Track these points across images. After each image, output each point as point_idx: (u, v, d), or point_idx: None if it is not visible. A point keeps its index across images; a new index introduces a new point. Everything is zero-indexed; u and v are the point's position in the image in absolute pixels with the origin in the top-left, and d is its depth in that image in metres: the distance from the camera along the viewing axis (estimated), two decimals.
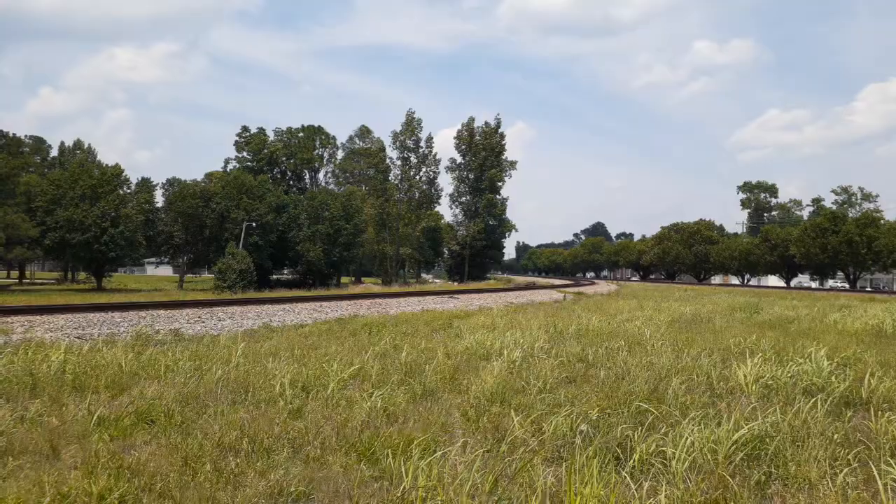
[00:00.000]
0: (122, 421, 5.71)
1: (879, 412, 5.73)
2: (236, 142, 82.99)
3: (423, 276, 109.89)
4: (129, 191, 69.96)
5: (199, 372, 7.89)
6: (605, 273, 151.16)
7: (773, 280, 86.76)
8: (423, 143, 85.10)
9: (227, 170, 79.67)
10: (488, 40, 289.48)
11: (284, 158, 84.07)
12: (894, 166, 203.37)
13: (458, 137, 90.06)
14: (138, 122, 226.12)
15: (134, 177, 76.83)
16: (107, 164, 68.14)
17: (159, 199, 78.75)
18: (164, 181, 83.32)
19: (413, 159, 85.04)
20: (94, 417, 5.73)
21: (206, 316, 16.22)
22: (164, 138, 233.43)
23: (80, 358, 8.61)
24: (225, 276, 56.56)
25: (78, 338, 11.75)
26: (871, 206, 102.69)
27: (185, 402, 6.39)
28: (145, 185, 76.07)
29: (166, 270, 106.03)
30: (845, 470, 4.40)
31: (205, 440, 5.15)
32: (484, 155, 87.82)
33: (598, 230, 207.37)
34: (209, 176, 79.36)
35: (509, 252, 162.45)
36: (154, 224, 72.57)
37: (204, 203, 67.17)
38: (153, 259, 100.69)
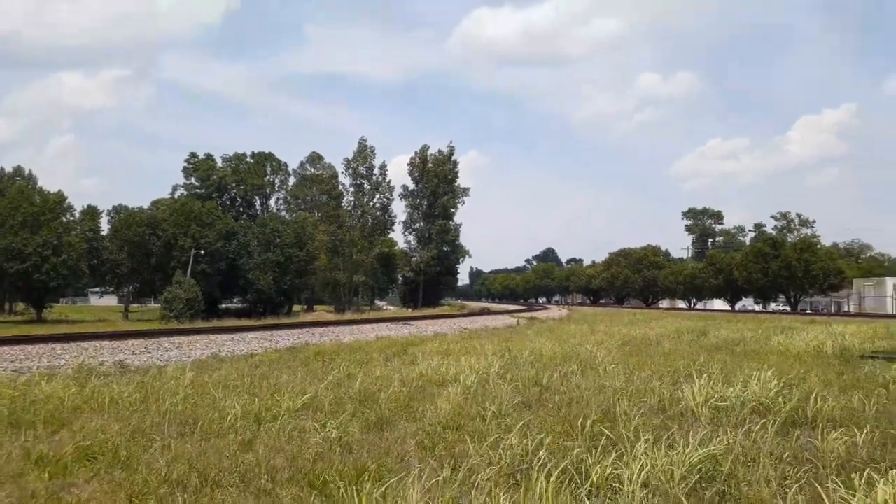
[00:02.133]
0: (62, 458, 5.46)
1: (825, 431, 5.88)
2: (184, 168, 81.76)
3: (378, 302, 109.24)
4: (72, 218, 67.95)
5: (145, 405, 7.62)
6: (556, 298, 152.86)
7: (719, 304, 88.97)
8: (376, 170, 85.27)
9: (175, 197, 78.11)
10: (441, 70, 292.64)
11: (234, 185, 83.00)
12: (827, 194, 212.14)
13: (412, 164, 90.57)
14: (85, 148, 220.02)
15: (79, 204, 74.51)
16: (49, 192, 66.08)
17: (105, 226, 76.75)
18: (111, 208, 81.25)
19: (366, 186, 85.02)
20: (32, 455, 5.46)
21: (152, 346, 15.75)
22: (112, 165, 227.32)
23: (17, 392, 8.22)
24: (172, 305, 55.28)
25: (15, 371, 11.24)
26: (809, 231, 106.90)
27: (131, 436, 6.15)
28: (90, 212, 74.03)
29: (111, 300, 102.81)
30: (794, 488, 4.49)
31: (150, 476, 4.95)
32: (437, 182, 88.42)
33: (549, 256, 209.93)
34: (156, 203, 77.68)
35: (463, 278, 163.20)
36: (99, 252, 70.67)
37: (151, 231, 65.69)
38: (97, 289, 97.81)
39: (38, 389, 8.43)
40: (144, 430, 6.40)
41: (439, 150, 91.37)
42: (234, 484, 4.85)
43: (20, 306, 73.59)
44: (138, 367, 12.07)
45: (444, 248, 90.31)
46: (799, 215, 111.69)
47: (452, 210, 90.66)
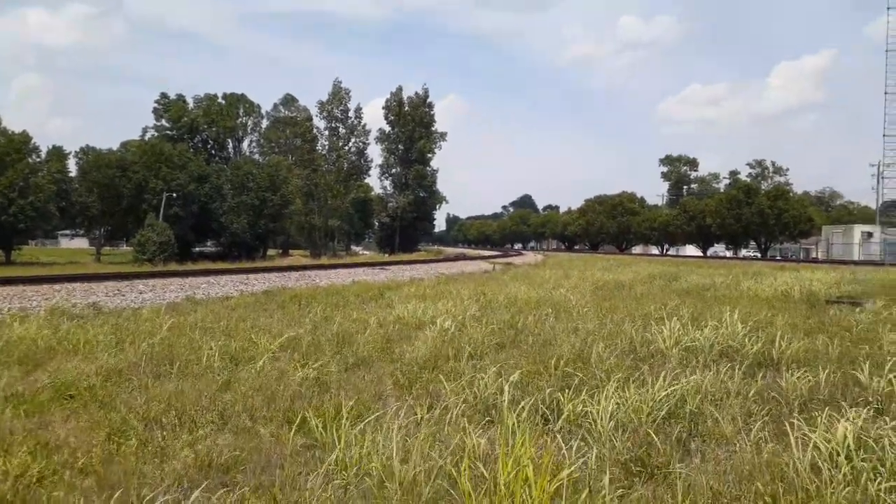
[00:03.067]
0: (38, 397, 5.46)
1: (789, 371, 6.08)
2: (155, 109, 79.56)
3: (354, 248, 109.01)
4: (38, 160, 66.17)
5: (120, 346, 7.61)
6: (532, 244, 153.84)
7: (691, 250, 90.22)
8: (351, 114, 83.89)
9: (146, 138, 76.26)
10: (420, 11, 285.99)
11: (206, 126, 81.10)
12: (804, 141, 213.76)
13: (387, 108, 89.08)
14: (51, 88, 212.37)
15: (47, 146, 72.41)
16: (13, 131, 64.09)
17: (73, 169, 74.93)
18: (78, 150, 79.11)
19: (342, 129, 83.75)
20: (6, 394, 5.46)
21: (125, 289, 15.62)
22: (80, 106, 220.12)
23: None
24: (144, 248, 54.73)
25: None
26: (782, 179, 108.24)
27: (107, 377, 6.16)
28: (57, 153, 72.09)
29: (82, 243, 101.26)
30: (758, 424, 4.66)
31: (129, 414, 4.99)
32: (413, 126, 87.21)
33: (525, 202, 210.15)
34: (125, 145, 75.80)
35: (440, 224, 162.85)
36: (68, 195, 69.14)
37: (121, 173, 64.31)
38: (67, 231, 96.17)
39: (9, 331, 8.36)
40: (121, 370, 6.42)
41: (416, 93, 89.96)
42: (212, 422, 4.91)
43: None
44: (112, 309, 11.99)
45: (421, 194, 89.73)
46: (773, 163, 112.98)
47: (429, 155, 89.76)
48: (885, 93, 69.15)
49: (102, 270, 25.62)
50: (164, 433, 4.62)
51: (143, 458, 4.16)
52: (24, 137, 63.22)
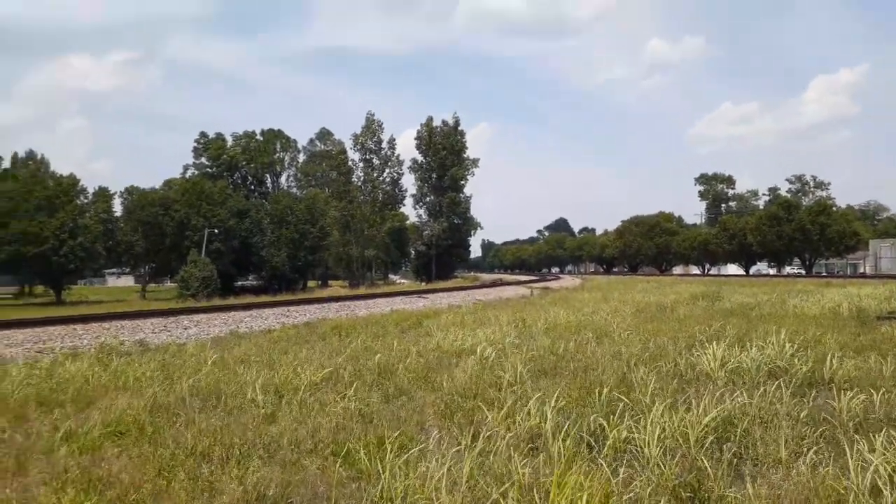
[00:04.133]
0: (91, 434, 5.60)
1: (841, 391, 5.90)
2: (195, 148, 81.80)
3: (391, 277, 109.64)
4: (85, 201, 68.37)
5: (168, 381, 7.77)
6: (569, 267, 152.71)
7: (733, 269, 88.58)
8: (384, 145, 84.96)
9: (186, 176, 78.29)
10: (447, 43, 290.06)
11: (244, 163, 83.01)
12: (841, 155, 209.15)
13: (419, 137, 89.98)
14: (94, 131, 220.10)
15: (90, 187, 74.95)
16: (61, 175, 66.42)
17: (118, 208, 77.15)
18: (123, 190, 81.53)
19: (375, 161, 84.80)
20: (61, 432, 5.60)
21: (171, 325, 15.96)
22: (122, 147, 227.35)
23: (43, 372, 8.40)
24: (188, 284, 55.82)
25: (39, 352, 11.46)
26: (824, 193, 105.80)
27: (155, 412, 6.28)
28: (103, 194, 74.36)
29: (128, 281, 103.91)
30: (813, 448, 4.53)
31: (177, 449, 5.07)
32: (444, 154, 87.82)
33: (561, 226, 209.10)
34: (168, 183, 77.93)
35: (475, 250, 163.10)
36: (113, 234, 71.13)
37: (163, 211, 66.01)
38: (114, 270, 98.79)
39: (62, 369, 8.60)
40: (168, 406, 6.54)
41: (443, 122, 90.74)
42: (258, 455, 4.97)
43: (39, 289, 74.54)
44: (158, 345, 12.26)
45: (456, 221, 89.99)
46: (814, 178, 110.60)
47: (462, 182, 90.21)
48: None
49: (148, 307, 26.20)
50: (212, 467, 4.69)
51: (192, 493, 4.22)
52: (73, 180, 65.51)
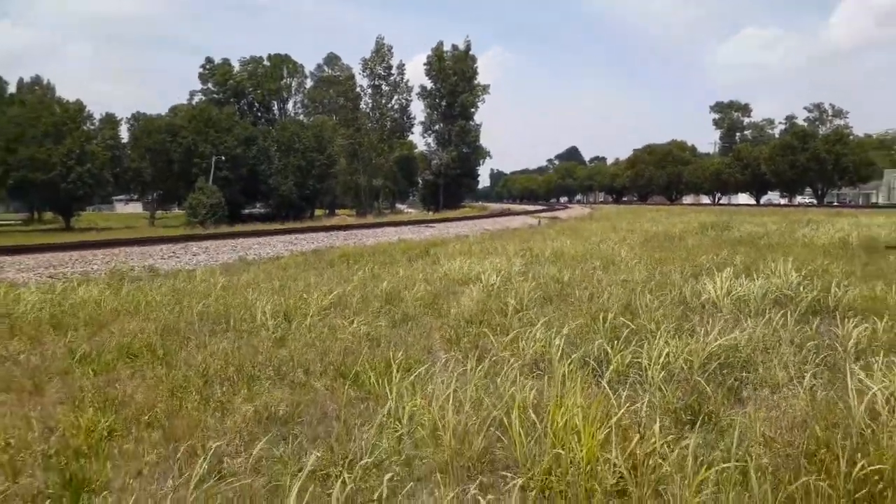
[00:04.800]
0: (104, 356, 5.72)
1: (845, 318, 5.93)
2: (200, 74, 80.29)
3: (398, 206, 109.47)
4: (92, 127, 67.86)
5: (178, 306, 7.88)
6: (578, 197, 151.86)
7: (744, 198, 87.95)
8: (394, 70, 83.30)
9: (193, 103, 77.25)
10: None
11: (251, 89, 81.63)
12: (868, 82, 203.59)
13: (428, 63, 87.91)
14: (97, 54, 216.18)
15: (96, 112, 74.28)
16: (67, 101, 65.70)
17: (124, 134, 76.61)
18: (129, 116, 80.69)
19: (384, 87, 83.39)
20: (77, 355, 5.73)
21: (180, 251, 16.08)
22: (125, 72, 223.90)
23: (56, 296, 8.53)
24: (196, 211, 55.96)
25: (50, 277, 11.61)
26: (842, 122, 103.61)
27: (167, 335, 6.40)
28: (110, 120, 73.72)
29: (136, 207, 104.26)
30: (811, 372, 4.59)
31: (189, 371, 5.19)
32: (455, 80, 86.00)
33: (572, 155, 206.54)
34: (174, 110, 76.99)
35: (484, 180, 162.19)
36: (121, 161, 70.87)
37: (171, 138, 65.46)
38: (122, 196, 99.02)
39: (74, 294, 8.72)
40: (180, 330, 6.65)
41: (454, 46, 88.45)
42: (268, 377, 5.08)
43: (48, 215, 74.98)
44: (168, 271, 12.38)
45: (465, 150, 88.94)
46: (832, 106, 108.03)
47: (472, 109, 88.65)
48: None
49: (157, 234, 26.39)
50: (224, 389, 4.80)
51: (205, 413, 4.34)
52: (79, 106, 64.83)
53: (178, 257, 15.09)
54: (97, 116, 72.37)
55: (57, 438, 3.94)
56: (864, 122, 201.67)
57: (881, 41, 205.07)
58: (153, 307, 7.87)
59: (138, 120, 77.75)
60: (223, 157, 63.62)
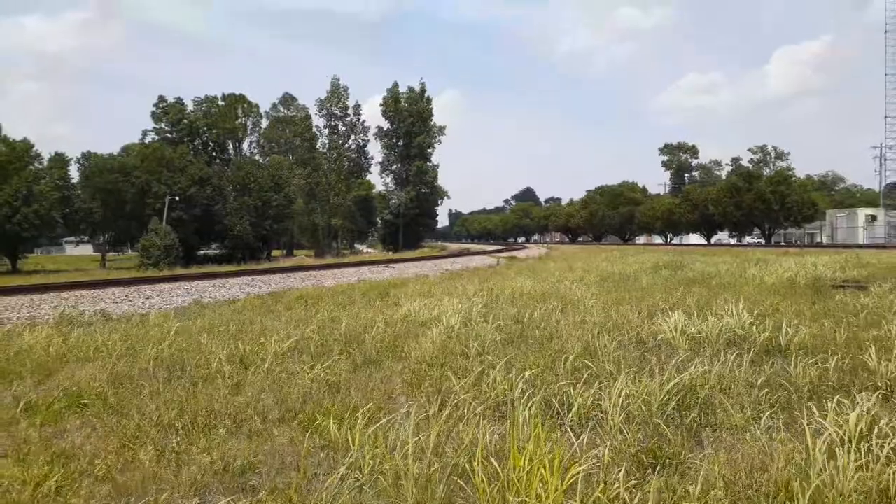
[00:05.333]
0: (52, 406, 5.51)
1: (797, 358, 6.09)
2: (153, 112, 79.24)
3: (357, 246, 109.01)
4: (41, 167, 66.27)
5: (131, 352, 7.66)
6: (535, 237, 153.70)
7: (695, 238, 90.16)
8: (350, 111, 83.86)
9: (146, 142, 76.16)
10: (415, 6, 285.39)
11: (205, 128, 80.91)
12: (805, 126, 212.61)
13: (384, 104, 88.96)
14: (50, 94, 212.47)
15: (47, 152, 72.40)
16: (14, 139, 64.14)
17: (75, 174, 74.89)
18: (80, 155, 78.93)
19: (341, 127, 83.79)
20: (22, 404, 5.50)
21: (133, 295, 15.69)
22: (78, 111, 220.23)
23: (0, 343, 8.21)
24: (149, 252, 54.81)
25: None
26: (784, 164, 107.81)
27: (119, 383, 6.20)
28: (59, 160, 72.03)
29: (87, 249, 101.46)
30: (767, 413, 4.69)
31: (142, 420, 5.03)
32: (411, 121, 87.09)
33: (527, 195, 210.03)
34: (126, 149, 75.74)
35: (442, 220, 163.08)
36: (70, 201, 69.18)
37: (123, 177, 64.32)
38: (72, 238, 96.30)
39: (20, 340, 8.41)
40: (132, 377, 6.46)
41: (409, 88, 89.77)
42: (225, 426, 4.95)
43: None
44: (120, 315, 12.05)
45: (423, 190, 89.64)
46: (775, 148, 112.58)
47: (429, 150, 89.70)
48: (886, 74, 68.99)
49: (109, 277, 25.71)
50: (179, 438, 4.66)
51: (159, 464, 4.19)
52: (26, 146, 63.35)
53: (130, 301, 14.71)
54: (46, 156, 70.73)
55: (1, 494, 3.75)
56: (805, 164, 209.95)
57: (816, 88, 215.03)
58: (104, 353, 7.63)
59: (89, 159, 76.16)
60: (177, 197, 62.67)
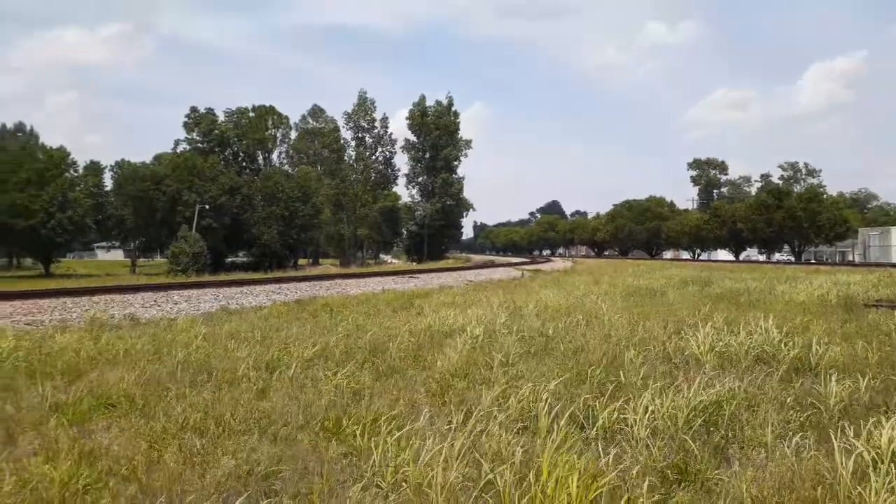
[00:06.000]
0: (81, 406, 5.60)
1: (828, 377, 5.97)
2: (185, 123, 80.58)
3: (382, 256, 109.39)
4: (76, 174, 67.80)
5: (158, 356, 7.76)
6: (560, 250, 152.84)
7: (723, 254, 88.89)
8: (377, 123, 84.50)
9: (178, 151, 77.49)
10: (442, 21, 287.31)
11: (236, 139, 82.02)
12: (834, 143, 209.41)
13: (411, 117, 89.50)
14: (85, 104, 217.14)
15: (81, 160, 74.14)
16: (51, 148, 65.75)
17: (108, 182, 76.48)
18: (113, 164, 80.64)
19: (368, 139, 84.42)
20: (51, 403, 5.60)
21: (161, 300, 15.90)
22: (113, 121, 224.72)
23: (33, 344, 8.37)
24: (178, 259, 55.59)
25: (28, 324, 11.41)
26: (815, 181, 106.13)
27: (146, 386, 6.29)
28: (93, 168, 73.67)
29: (117, 255, 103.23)
30: (796, 431, 4.60)
31: (168, 422, 5.09)
32: (437, 134, 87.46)
33: (553, 208, 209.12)
34: (158, 158, 77.15)
35: (467, 231, 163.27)
36: (103, 208, 70.61)
37: (154, 186, 65.44)
38: (104, 244, 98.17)
39: (52, 342, 8.57)
40: (159, 379, 6.54)
41: (437, 101, 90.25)
42: (250, 430, 4.98)
43: (28, 261, 74.07)
44: (149, 319, 12.22)
45: (448, 202, 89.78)
46: (806, 165, 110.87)
47: (455, 163, 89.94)
48: None
49: (138, 282, 26.12)
50: (204, 441, 4.70)
51: (184, 466, 4.23)
52: (63, 154, 64.90)
53: (159, 306, 14.92)
54: (81, 164, 72.35)
55: (30, 492, 3.82)
56: (837, 181, 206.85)
57: (849, 103, 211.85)
58: (133, 356, 7.75)
59: (122, 167, 77.73)
60: (207, 206, 63.59)
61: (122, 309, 13.86)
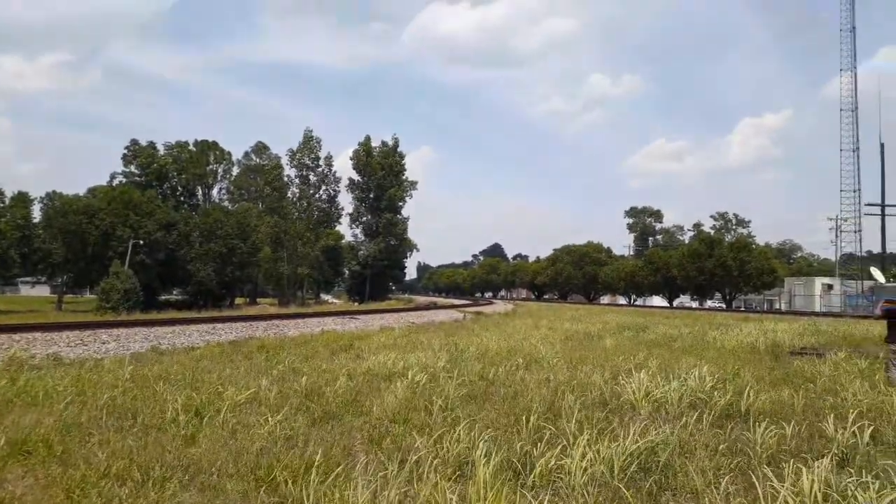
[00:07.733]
0: None
1: (757, 423, 6.14)
2: (124, 155, 78.87)
3: (323, 296, 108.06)
4: (2, 205, 65.01)
5: (81, 398, 7.40)
6: (501, 293, 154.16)
7: (657, 300, 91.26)
8: (322, 162, 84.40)
9: (113, 184, 75.40)
10: (393, 65, 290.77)
11: (175, 173, 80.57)
12: (763, 194, 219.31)
13: (356, 157, 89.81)
14: (20, 133, 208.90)
15: (12, 190, 71.19)
16: None
17: (38, 214, 73.61)
18: (44, 195, 77.75)
19: (312, 177, 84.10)
20: None
21: (88, 339, 15.25)
22: (48, 151, 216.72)
23: None
24: (109, 296, 53.58)
25: None
26: (745, 231, 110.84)
27: (67, 430, 5.97)
28: (21, 199, 70.80)
29: (44, 290, 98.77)
30: (727, 478, 4.69)
31: (89, 470, 4.83)
32: (382, 174, 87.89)
33: (495, 251, 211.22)
34: (92, 191, 74.81)
35: (411, 272, 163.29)
36: (30, 241, 67.72)
37: (87, 219, 63.20)
38: (28, 279, 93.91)
39: None
40: (81, 424, 6.23)
41: (382, 142, 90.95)
42: (177, 478, 4.78)
43: None
44: (74, 359, 11.68)
45: (392, 242, 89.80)
46: (736, 215, 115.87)
47: (400, 203, 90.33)
48: (841, 150, 71.95)
49: (64, 319, 25.00)
50: (128, 491, 4.48)
51: None
52: None
53: (85, 345, 14.29)
54: (9, 194, 69.54)
55: None
56: (764, 232, 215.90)
57: (776, 158, 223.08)
58: (53, 398, 7.37)
59: (53, 200, 74.96)
60: (141, 242, 61.75)
61: (46, 348, 13.21)
